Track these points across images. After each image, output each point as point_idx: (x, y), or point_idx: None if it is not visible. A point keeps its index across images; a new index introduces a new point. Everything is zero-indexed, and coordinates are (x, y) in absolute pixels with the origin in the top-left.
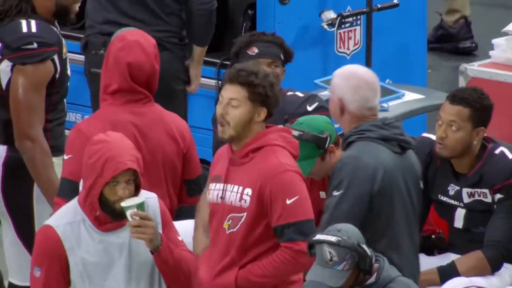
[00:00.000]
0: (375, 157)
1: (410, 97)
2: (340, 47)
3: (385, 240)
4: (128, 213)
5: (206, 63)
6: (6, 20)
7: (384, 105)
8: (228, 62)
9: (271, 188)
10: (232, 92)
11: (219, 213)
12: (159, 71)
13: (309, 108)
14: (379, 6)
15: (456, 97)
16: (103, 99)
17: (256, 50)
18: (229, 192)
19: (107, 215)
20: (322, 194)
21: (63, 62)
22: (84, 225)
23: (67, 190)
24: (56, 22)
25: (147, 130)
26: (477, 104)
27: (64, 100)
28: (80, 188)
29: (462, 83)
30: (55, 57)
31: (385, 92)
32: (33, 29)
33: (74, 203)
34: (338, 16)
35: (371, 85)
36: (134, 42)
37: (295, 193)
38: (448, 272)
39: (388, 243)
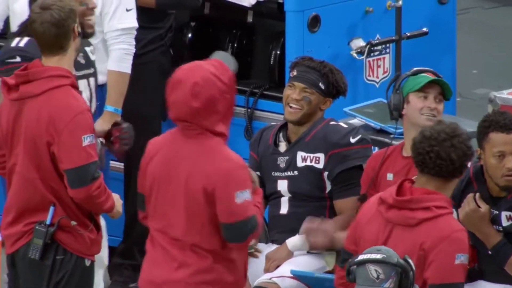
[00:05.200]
0: None
1: None
2: (369, 75)
3: None
4: None
5: None
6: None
7: None
8: (257, 90)
9: None
10: None
11: None
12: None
13: (352, 140)
14: (408, 34)
15: (507, 125)
16: None
17: (295, 73)
18: None
19: None
20: (389, 176)
21: None
22: None
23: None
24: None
25: None
26: None
27: None
28: None
29: (491, 111)
30: None
31: None
32: (21, 44)
33: None
34: (367, 44)
35: None
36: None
37: None
38: (504, 250)
39: None
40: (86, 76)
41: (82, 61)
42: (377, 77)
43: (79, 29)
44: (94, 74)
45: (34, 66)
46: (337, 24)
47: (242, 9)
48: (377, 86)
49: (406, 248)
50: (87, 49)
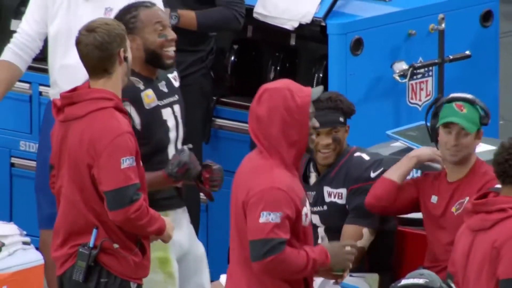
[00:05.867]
0: None
1: (483, 149)
2: (412, 98)
3: None
4: None
5: None
6: None
7: None
8: None
9: None
10: None
11: None
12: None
13: (372, 175)
14: (451, 57)
15: None
16: None
17: (316, 124)
18: None
19: None
20: (434, 199)
21: (144, 112)
22: None
23: None
24: (156, 71)
25: None
26: None
27: (164, 150)
28: None
29: None
30: (129, 109)
31: None
32: None
33: None
34: (410, 67)
35: None
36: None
37: None
38: None
39: None
40: (170, 104)
41: (165, 89)
42: (420, 100)
43: (126, 54)
44: (179, 101)
45: (81, 88)
46: (380, 47)
47: (285, 32)
48: (420, 109)
49: (483, 252)
50: (170, 76)
